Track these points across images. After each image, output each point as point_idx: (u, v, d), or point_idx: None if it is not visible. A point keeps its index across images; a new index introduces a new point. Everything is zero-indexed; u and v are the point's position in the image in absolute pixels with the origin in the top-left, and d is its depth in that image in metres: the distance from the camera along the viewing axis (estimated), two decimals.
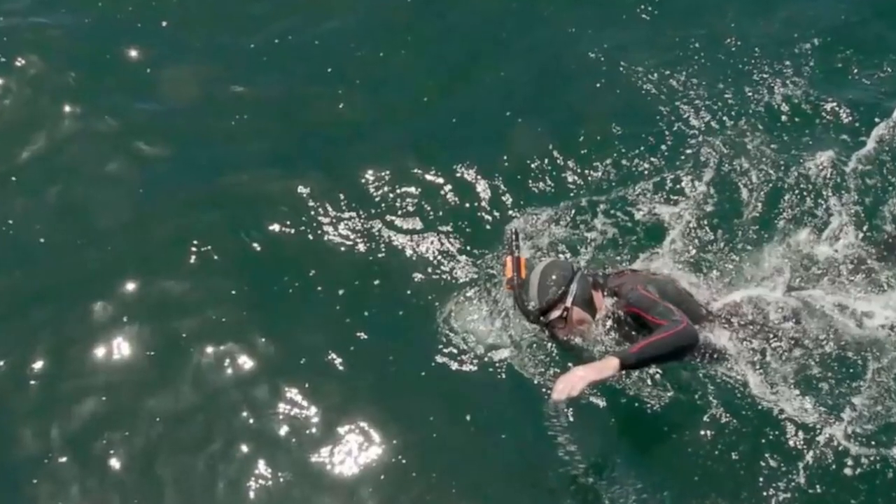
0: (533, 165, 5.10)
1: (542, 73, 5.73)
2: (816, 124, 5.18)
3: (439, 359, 4.33)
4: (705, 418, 3.96)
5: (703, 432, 3.94)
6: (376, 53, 5.87)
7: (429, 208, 4.97)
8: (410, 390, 4.32)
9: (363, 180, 5.13)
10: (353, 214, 4.97)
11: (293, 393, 4.29)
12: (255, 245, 4.89)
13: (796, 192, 4.81)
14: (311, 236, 4.90)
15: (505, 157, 5.19)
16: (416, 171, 5.16)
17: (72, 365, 4.43)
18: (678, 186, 4.92)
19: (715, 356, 4.00)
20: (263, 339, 4.49)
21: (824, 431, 3.82)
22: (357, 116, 5.56)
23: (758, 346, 4.03)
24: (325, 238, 4.89)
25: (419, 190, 5.06)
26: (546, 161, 5.11)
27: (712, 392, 4.00)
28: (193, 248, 4.83)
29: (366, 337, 4.48)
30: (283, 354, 4.45)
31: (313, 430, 4.19)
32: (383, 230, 4.90)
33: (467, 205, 5.00)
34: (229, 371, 4.40)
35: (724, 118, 5.26)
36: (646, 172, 5.02)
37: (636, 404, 4.01)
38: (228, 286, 4.70)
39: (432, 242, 4.83)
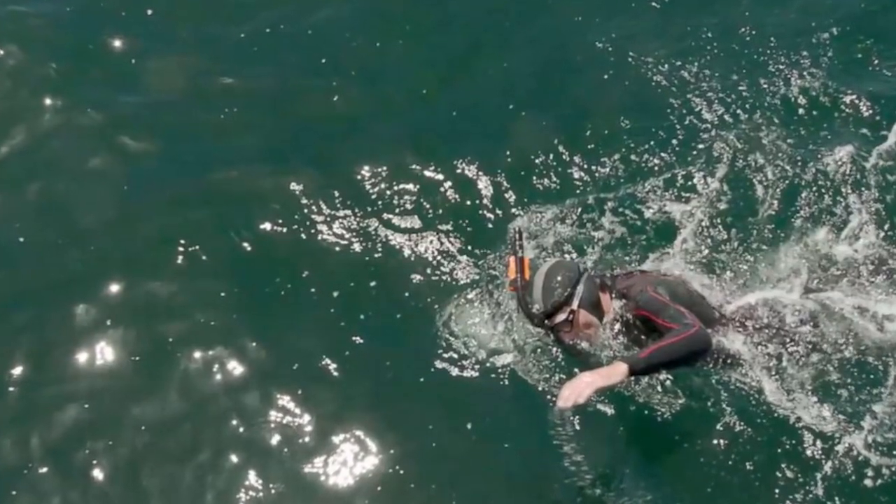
0: (537, 161, 5.10)
1: (546, 64, 5.72)
2: (835, 118, 5.18)
3: (439, 364, 4.32)
4: (718, 427, 3.95)
5: (715, 441, 3.94)
6: (372, 43, 5.87)
7: (428, 206, 4.97)
8: (409, 397, 4.32)
9: (359, 177, 5.13)
10: (349, 212, 4.97)
11: (285, 400, 4.29)
12: (246, 245, 4.88)
13: (814, 188, 4.80)
14: (304, 235, 4.90)
15: (508, 153, 5.18)
16: (414, 167, 5.16)
17: (53, 370, 4.43)
18: (690, 183, 4.91)
19: (728, 361, 4.00)
20: (254, 344, 4.49)
21: (843, 440, 3.82)
22: (352, 110, 5.56)
23: (773, 351, 4.02)
24: (319, 237, 4.89)
25: (418, 187, 5.06)
26: (551, 156, 5.11)
27: (726, 399, 3.99)
28: (181, 248, 4.82)
29: (362, 341, 4.48)
30: (275, 359, 4.45)
31: (306, 438, 4.19)
32: (380, 229, 4.90)
33: (468, 202, 5.00)
34: (218, 377, 4.40)
35: (738, 111, 5.25)
36: (656, 168, 5.02)
37: (646, 412, 4.00)
38: (217, 288, 4.70)
39: (431, 242, 4.83)
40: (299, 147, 5.37)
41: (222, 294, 4.67)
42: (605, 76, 5.56)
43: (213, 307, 4.62)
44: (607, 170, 5.03)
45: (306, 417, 4.24)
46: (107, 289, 4.69)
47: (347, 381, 4.37)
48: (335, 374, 4.38)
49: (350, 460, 4.10)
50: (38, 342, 4.52)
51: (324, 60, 5.78)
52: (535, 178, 5.04)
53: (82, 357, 4.46)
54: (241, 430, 4.22)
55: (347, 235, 4.88)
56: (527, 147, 5.18)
